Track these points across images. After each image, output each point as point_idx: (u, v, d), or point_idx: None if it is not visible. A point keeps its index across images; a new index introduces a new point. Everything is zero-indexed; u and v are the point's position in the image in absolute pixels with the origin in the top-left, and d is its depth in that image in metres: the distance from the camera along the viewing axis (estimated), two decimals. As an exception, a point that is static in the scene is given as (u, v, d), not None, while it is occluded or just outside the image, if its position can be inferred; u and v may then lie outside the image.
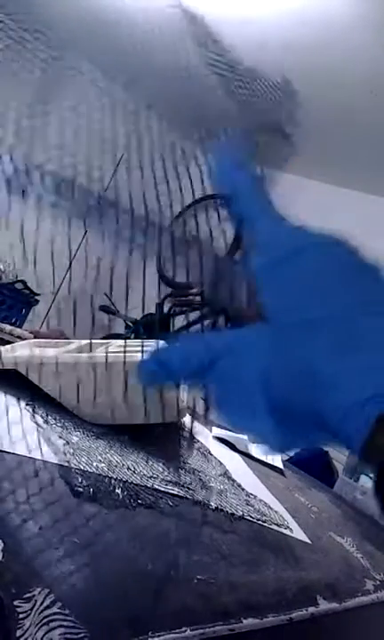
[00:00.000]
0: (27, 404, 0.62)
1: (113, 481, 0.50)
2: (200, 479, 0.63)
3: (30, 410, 0.61)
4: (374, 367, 0.21)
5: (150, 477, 0.55)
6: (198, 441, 0.78)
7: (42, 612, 0.29)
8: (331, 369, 0.22)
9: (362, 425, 0.20)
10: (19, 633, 0.28)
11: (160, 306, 2.93)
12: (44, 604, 0.30)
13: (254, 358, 0.25)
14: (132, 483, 0.51)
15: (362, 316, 0.22)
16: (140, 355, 0.63)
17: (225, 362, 0.26)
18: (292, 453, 2.20)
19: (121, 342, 0.74)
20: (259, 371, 0.25)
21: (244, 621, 0.38)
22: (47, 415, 0.61)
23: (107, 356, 0.65)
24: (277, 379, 0.24)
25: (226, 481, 0.68)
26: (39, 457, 0.48)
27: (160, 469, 0.59)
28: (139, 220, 0.30)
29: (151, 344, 0.71)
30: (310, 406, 0.22)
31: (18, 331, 0.99)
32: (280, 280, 0.25)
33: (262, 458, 0.97)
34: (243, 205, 0.29)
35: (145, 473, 0.55)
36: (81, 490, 0.45)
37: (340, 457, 2.21)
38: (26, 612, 0.29)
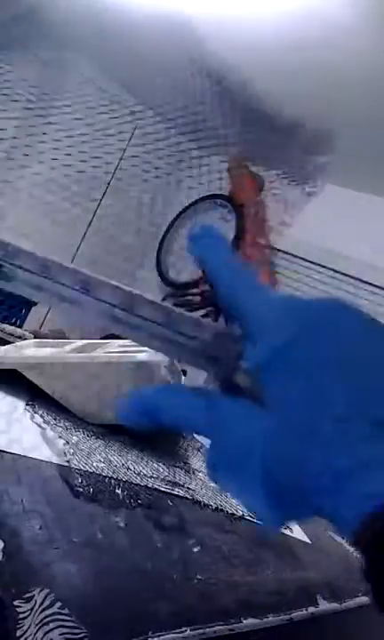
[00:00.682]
0: (27, 404, 0.62)
1: (113, 481, 0.50)
2: (200, 479, 0.63)
3: (30, 410, 0.61)
4: (373, 468, 0.21)
5: (150, 477, 0.55)
6: (198, 441, 0.78)
7: (42, 612, 0.29)
8: (326, 471, 0.22)
9: (355, 520, 0.21)
10: (19, 633, 0.28)
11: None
12: (44, 604, 0.30)
13: (250, 440, 0.24)
14: (131, 483, 0.51)
15: (365, 416, 0.22)
16: (140, 355, 0.63)
17: (218, 434, 0.26)
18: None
19: (121, 342, 0.74)
20: (253, 452, 0.24)
21: (244, 621, 0.38)
22: (47, 415, 0.60)
23: (106, 356, 0.65)
24: (273, 464, 0.24)
25: (226, 481, 0.68)
26: (39, 457, 0.48)
27: (160, 469, 0.59)
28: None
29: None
30: (306, 495, 0.22)
31: (18, 331, 0.99)
32: (278, 369, 0.24)
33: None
34: (232, 297, 0.28)
35: (145, 473, 0.55)
36: (81, 490, 0.45)
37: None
38: (26, 612, 0.29)
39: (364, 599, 0.55)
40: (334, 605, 0.49)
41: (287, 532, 0.61)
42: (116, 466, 0.53)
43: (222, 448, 0.26)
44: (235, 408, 0.26)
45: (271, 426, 0.24)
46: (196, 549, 0.46)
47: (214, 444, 0.26)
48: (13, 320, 2.03)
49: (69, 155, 2.86)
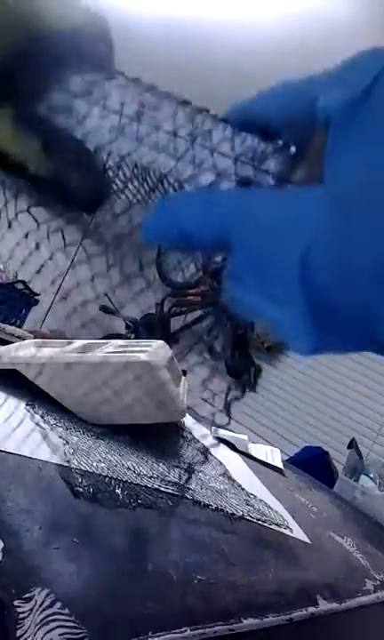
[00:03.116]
0: (27, 404, 0.62)
1: (113, 481, 0.50)
2: (200, 479, 0.63)
3: (30, 410, 0.61)
4: None
5: (150, 477, 0.55)
6: (198, 441, 0.78)
7: (42, 612, 0.29)
8: None
9: None
10: (19, 633, 0.28)
11: (160, 306, 2.94)
12: (44, 604, 0.30)
13: (301, 229, 0.19)
14: (131, 483, 0.51)
15: None
16: (140, 355, 0.63)
17: (259, 228, 0.20)
18: (289, 454, 2.20)
19: (121, 342, 0.74)
20: (304, 247, 0.18)
21: (244, 621, 0.38)
22: (47, 415, 0.60)
23: (106, 356, 0.65)
24: (327, 264, 0.18)
25: (226, 481, 0.68)
26: (39, 457, 0.48)
27: (160, 469, 0.59)
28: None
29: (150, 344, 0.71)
30: (363, 307, 0.18)
31: (18, 331, 0.99)
32: (361, 128, 0.18)
33: (262, 458, 0.97)
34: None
35: (145, 473, 0.55)
36: (81, 490, 0.45)
37: (340, 457, 2.21)
38: (26, 612, 0.29)
39: (363, 599, 0.55)
40: (334, 605, 0.49)
41: (287, 532, 0.61)
42: (115, 466, 0.53)
43: (253, 246, 0.20)
44: (271, 191, 0.21)
45: (331, 208, 0.18)
46: (195, 549, 0.46)
47: (243, 243, 0.20)
48: (13, 320, 2.03)
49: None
